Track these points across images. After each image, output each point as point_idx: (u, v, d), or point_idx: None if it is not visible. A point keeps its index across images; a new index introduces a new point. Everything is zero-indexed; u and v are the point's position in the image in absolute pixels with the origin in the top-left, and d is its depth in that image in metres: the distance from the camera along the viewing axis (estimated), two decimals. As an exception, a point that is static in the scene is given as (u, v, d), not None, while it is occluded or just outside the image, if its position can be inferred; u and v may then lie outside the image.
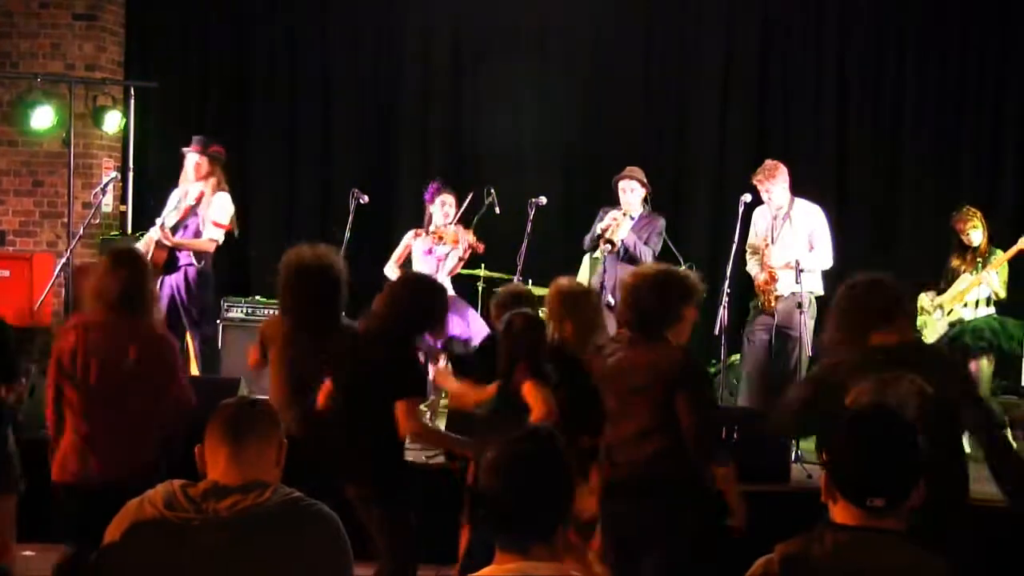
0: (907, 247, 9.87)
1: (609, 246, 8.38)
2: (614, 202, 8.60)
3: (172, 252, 8.21)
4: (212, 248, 8.32)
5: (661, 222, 8.62)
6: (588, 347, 5.32)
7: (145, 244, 8.23)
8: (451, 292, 8.19)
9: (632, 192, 8.56)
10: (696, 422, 4.62)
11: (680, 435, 4.60)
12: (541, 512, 2.55)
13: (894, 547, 2.67)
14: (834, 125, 10.33)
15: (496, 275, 9.15)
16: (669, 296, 4.80)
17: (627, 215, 8.49)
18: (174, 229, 8.19)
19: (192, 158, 8.38)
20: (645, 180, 8.62)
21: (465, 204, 8.70)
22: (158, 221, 8.28)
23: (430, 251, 8.55)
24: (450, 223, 8.54)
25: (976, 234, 8.38)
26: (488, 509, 2.56)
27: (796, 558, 2.69)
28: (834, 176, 10.26)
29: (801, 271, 7.86)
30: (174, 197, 8.46)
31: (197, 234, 8.26)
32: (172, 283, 8.25)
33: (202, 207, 8.26)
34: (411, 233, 8.74)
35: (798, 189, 8.35)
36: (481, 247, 8.50)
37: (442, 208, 8.58)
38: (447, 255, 8.52)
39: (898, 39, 10.24)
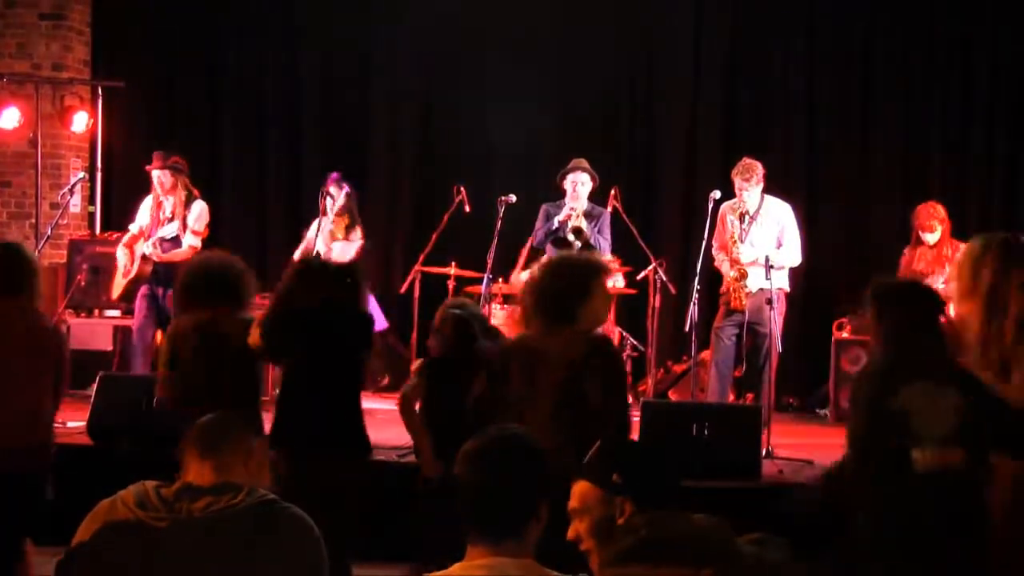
0: (876, 245, 9.91)
1: (574, 236, 8.39)
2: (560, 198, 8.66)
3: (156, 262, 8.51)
4: (190, 254, 8.43)
5: (608, 214, 8.65)
6: None
7: (128, 256, 8.52)
8: None
9: (583, 186, 8.58)
10: None
11: None
12: (512, 507, 2.59)
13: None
14: (804, 122, 10.37)
15: (466, 274, 9.16)
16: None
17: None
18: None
19: (155, 175, 8.58)
20: (593, 172, 8.65)
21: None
22: (133, 229, 8.65)
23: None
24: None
25: (932, 236, 8.44)
26: (460, 502, 2.60)
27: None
28: (804, 173, 10.30)
29: (771, 267, 7.91)
30: (146, 207, 8.67)
31: (177, 243, 8.51)
32: (160, 290, 8.53)
33: (178, 217, 8.52)
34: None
35: (768, 185, 8.39)
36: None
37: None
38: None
39: (865, 34, 10.30)
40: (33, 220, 9.82)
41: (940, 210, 8.55)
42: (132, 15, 10.99)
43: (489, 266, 8.53)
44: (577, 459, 3.03)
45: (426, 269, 9.17)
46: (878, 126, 10.24)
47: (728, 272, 8.28)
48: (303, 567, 2.78)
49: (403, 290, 9.40)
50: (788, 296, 8.39)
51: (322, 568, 2.83)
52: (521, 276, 9.33)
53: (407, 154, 10.96)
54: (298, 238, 9.72)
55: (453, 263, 9.15)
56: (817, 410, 9.53)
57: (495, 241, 8.53)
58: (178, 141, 11.03)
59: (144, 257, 8.48)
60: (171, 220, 8.52)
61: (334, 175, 9.12)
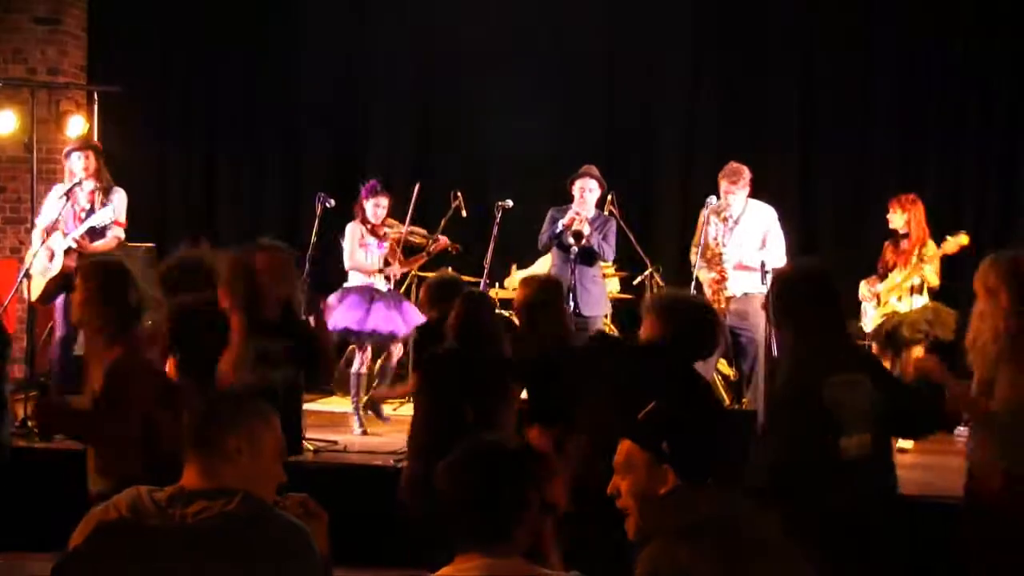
0: (872, 248, 9.89)
1: (574, 239, 8.36)
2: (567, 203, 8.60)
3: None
4: (116, 245, 8.25)
5: (614, 223, 8.63)
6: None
7: (48, 254, 8.24)
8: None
9: (591, 192, 8.52)
10: None
11: None
12: (498, 515, 2.62)
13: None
14: (800, 127, 10.38)
15: (463, 279, 9.13)
16: None
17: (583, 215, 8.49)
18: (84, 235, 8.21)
19: (76, 156, 8.37)
20: (602, 179, 8.63)
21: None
22: (42, 223, 8.28)
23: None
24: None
25: (895, 218, 8.38)
26: (446, 514, 2.64)
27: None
28: (800, 178, 10.32)
29: (767, 272, 7.91)
30: (55, 200, 8.37)
31: (102, 234, 8.25)
32: None
33: (99, 204, 8.28)
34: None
35: (765, 188, 8.41)
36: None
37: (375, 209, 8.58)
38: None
39: (865, 38, 10.30)
40: (28, 225, 9.78)
41: (909, 198, 8.56)
42: (128, 19, 10.97)
43: (486, 271, 8.53)
44: None
45: (423, 274, 9.14)
46: (875, 130, 10.25)
47: (708, 276, 8.29)
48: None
49: (400, 295, 9.39)
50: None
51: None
52: (516, 275, 9.35)
53: (404, 159, 10.95)
54: (293, 242, 9.71)
55: (450, 268, 9.13)
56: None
57: (492, 246, 8.52)
58: (174, 145, 11.09)
59: (67, 252, 8.09)
60: (90, 209, 8.20)
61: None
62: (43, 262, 8.24)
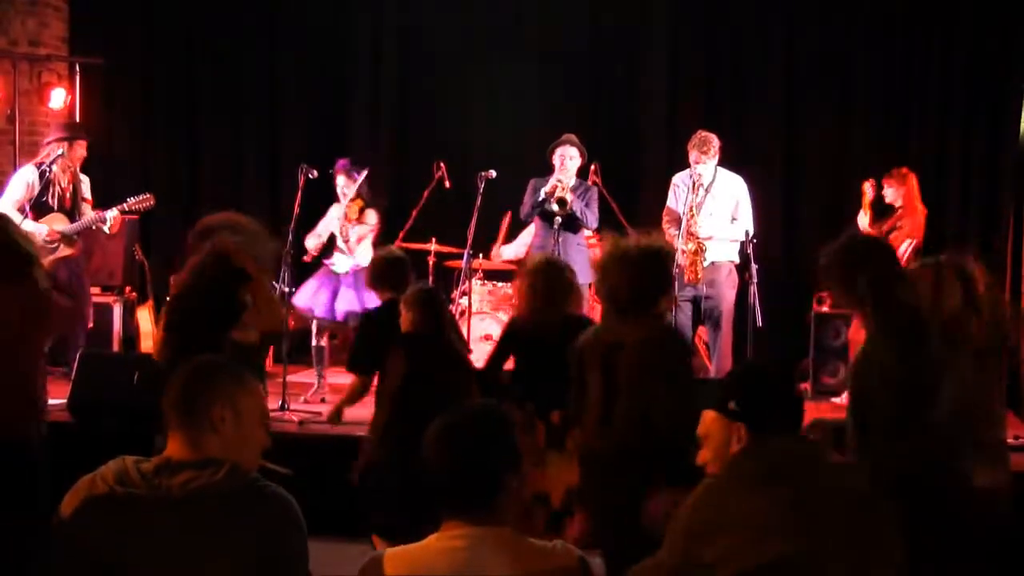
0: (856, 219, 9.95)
1: (558, 206, 8.36)
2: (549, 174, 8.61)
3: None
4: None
5: (596, 190, 8.65)
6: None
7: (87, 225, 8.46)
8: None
9: (572, 160, 8.53)
10: None
11: None
12: (482, 483, 2.63)
13: None
14: (783, 97, 10.35)
15: (446, 249, 9.16)
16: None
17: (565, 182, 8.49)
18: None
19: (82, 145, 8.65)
20: (583, 147, 8.63)
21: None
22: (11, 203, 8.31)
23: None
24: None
25: (889, 191, 8.73)
26: (432, 480, 2.65)
27: None
28: (784, 148, 10.31)
29: (754, 241, 7.99)
30: (28, 180, 8.43)
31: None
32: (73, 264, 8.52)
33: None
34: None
35: (748, 160, 8.43)
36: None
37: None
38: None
39: (846, 14, 10.29)
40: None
41: (901, 173, 8.77)
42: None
43: (469, 242, 8.53)
44: None
45: (406, 245, 9.13)
46: (857, 100, 10.23)
47: (683, 246, 8.31)
48: (282, 547, 2.75)
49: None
50: (738, 268, 8.48)
51: (302, 549, 2.79)
52: (503, 250, 9.35)
53: (387, 130, 10.92)
54: (276, 214, 9.73)
55: (433, 239, 9.14)
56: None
57: (475, 217, 8.52)
58: (156, 117, 11.05)
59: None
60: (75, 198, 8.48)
61: (342, 162, 8.80)
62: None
